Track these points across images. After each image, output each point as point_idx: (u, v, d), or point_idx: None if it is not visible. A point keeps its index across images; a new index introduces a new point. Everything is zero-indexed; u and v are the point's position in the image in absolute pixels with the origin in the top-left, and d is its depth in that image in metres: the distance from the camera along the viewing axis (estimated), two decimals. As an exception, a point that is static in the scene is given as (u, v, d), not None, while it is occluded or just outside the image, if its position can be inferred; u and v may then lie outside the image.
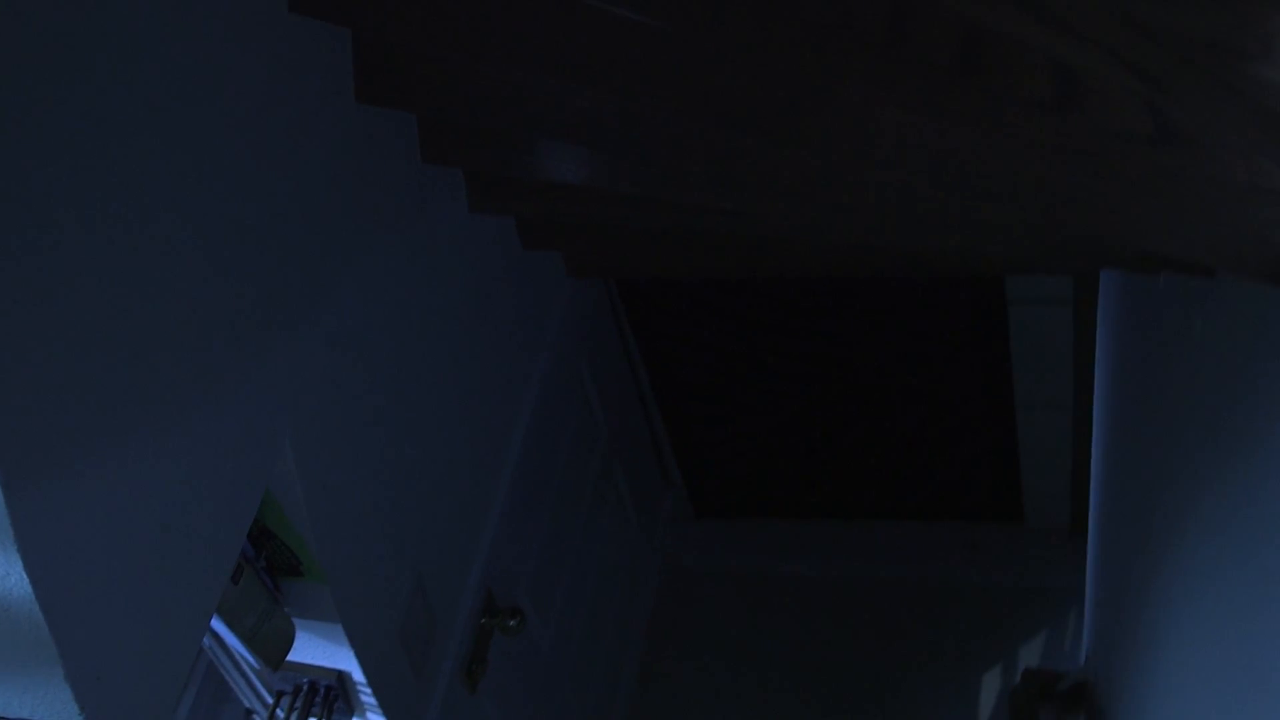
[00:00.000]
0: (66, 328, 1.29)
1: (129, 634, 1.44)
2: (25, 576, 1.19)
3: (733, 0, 1.24)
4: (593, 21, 1.42)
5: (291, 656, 2.09)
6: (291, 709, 2.11)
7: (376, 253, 2.01)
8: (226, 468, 1.61)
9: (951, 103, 1.17)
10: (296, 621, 2.02)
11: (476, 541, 2.59)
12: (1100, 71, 1.04)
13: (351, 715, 2.17)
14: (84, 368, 1.32)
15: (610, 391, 3.38)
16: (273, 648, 1.94)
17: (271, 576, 1.95)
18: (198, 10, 1.47)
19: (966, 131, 1.25)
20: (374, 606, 2.12)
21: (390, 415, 2.14)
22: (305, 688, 2.10)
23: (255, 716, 2.19)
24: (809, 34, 1.22)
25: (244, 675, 2.16)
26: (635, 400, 3.64)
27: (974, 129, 1.23)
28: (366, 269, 1.98)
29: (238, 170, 1.60)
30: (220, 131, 1.55)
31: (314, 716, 2.09)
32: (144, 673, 1.48)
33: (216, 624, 1.88)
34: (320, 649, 2.08)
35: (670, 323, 3.50)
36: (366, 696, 2.15)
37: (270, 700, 2.18)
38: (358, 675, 2.10)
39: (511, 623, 2.59)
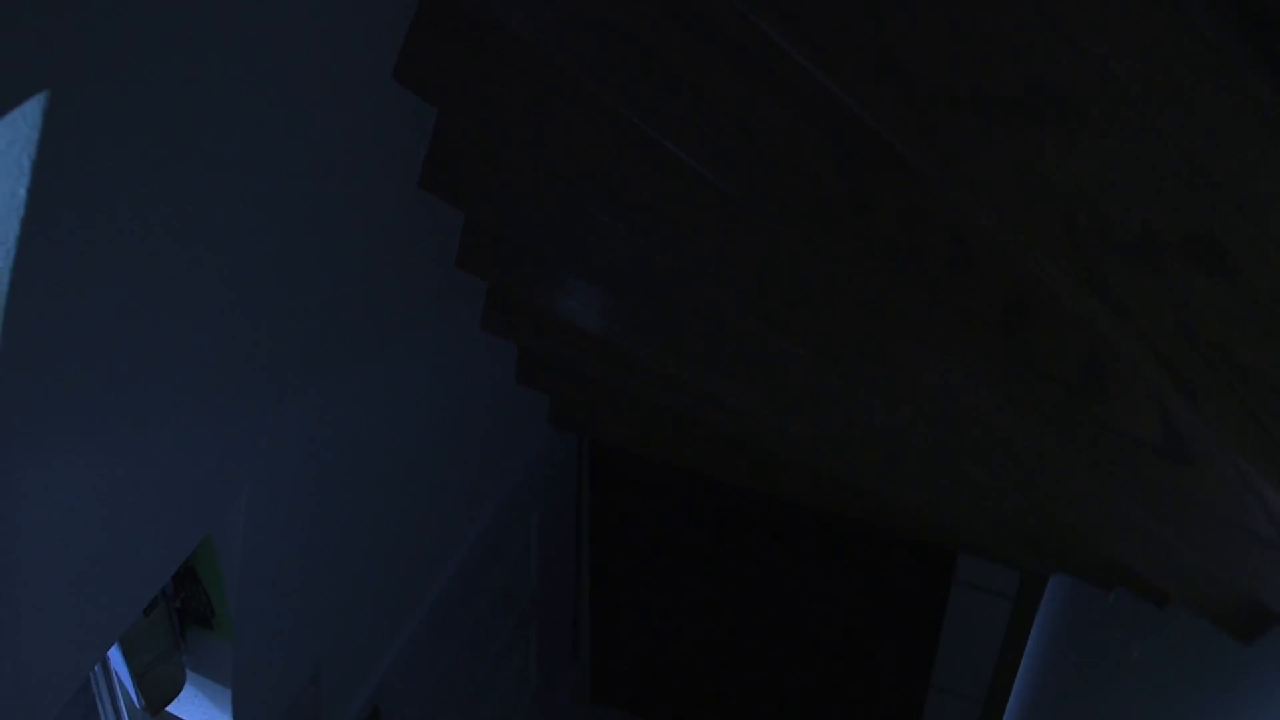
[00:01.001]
0: (91, 316, 1.30)
1: (33, 634, 1.40)
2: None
3: (816, 210, 1.31)
4: (674, 172, 1.48)
5: (172, 707, 2.04)
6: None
7: (384, 342, 2.04)
8: (182, 496, 1.61)
9: (985, 357, 1.23)
10: (189, 673, 1.98)
11: (381, 656, 2.55)
12: (1132, 363, 1.10)
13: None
14: (91, 354, 1.32)
15: (551, 549, 3.37)
16: (159, 692, 1.90)
17: (181, 621, 1.92)
18: (302, 66, 1.51)
19: (988, 388, 1.30)
20: (267, 683, 2.08)
21: (345, 504, 2.14)
22: (173, 743, 2.05)
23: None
24: (879, 264, 1.29)
25: (116, 712, 2.11)
26: (571, 566, 3.63)
27: (995, 388, 1.28)
28: (368, 354, 2.00)
29: (288, 224, 1.63)
30: (286, 184, 1.59)
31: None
32: (30, 677, 1.44)
33: (113, 651, 1.85)
34: (202, 709, 2.03)
35: (628, 498, 3.52)
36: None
37: (131, 747, 2.12)
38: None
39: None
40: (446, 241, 2.10)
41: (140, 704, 1.98)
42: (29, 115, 1.06)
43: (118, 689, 2.06)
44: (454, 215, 2.03)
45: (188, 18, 1.25)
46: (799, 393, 1.85)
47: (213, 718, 2.03)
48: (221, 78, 1.35)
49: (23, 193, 1.06)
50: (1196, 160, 1.00)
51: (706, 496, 3.39)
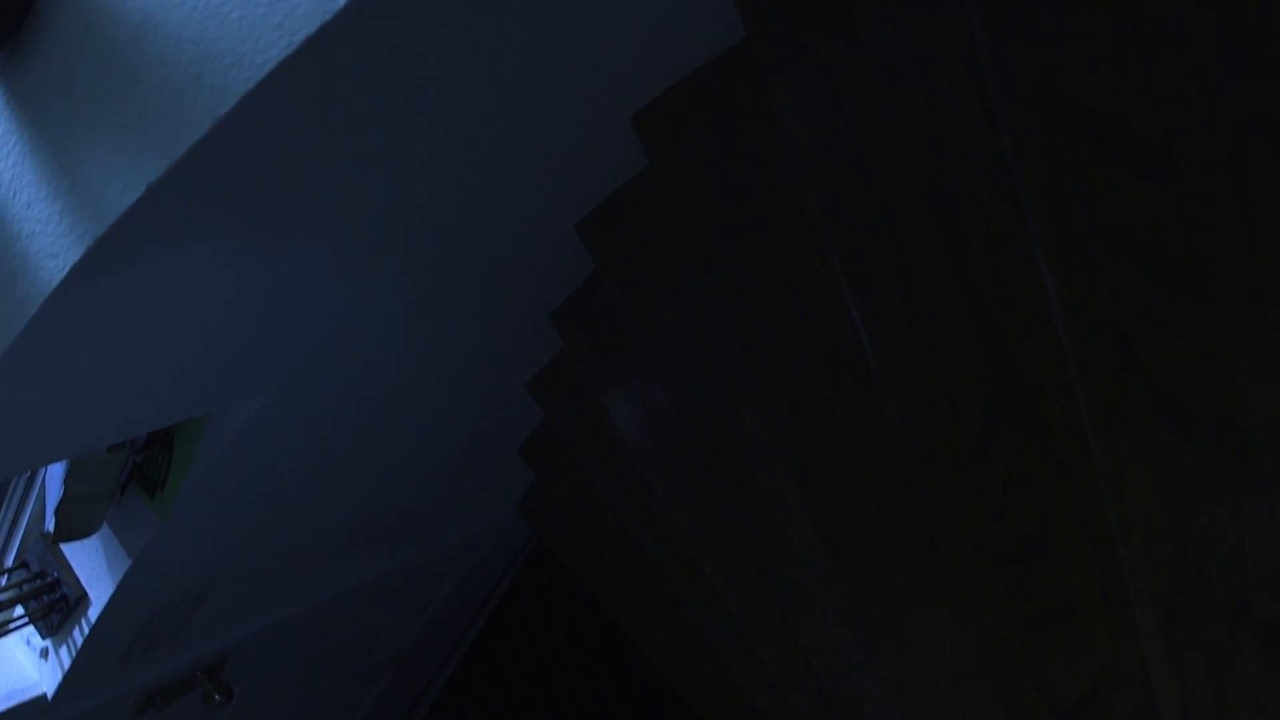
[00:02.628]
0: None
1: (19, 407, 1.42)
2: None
3: (938, 435, 1.38)
4: (809, 358, 1.57)
5: (69, 547, 2.05)
6: (22, 585, 2.04)
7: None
8: (222, 360, 1.63)
9: (1001, 652, 1.29)
10: (104, 528, 1.99)
11: (256, 617, 2.55)
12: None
13: (54, 634, 2.10)
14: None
15: (446, 616, 3.36)
16: (75, 525, 1.91)
17: (130, 475, 1.94)
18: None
19: (988, 689, 1.36)
20: (164, 575, 2.08)
21: (321, 474, 2.17)
22: (52, 579, 2.04)
23: (-14, 563, 2.11)
24: (957, 509, 1.36)
25: (15, 522, 2.11)
26: (451, 642, 3.61)
27: (996, 694, 1.34)
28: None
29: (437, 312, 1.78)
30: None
31: (34, 602, 2.02)
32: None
33: (58, 466, 1.87)
34: (95, 565, 2.03)
35: (538, 612, 3.51)
36: (79, 631, 2.08)
37: (10, 563, 2.11)
38: (95, 611, 2.04)
39: (218, 697, 2.50)
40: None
41: (50, 529, 1.98)
42: None
43: (30, 504, 2.07)
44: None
45: None
46: (787, 611, 1.89)
47: (99, 578, 2.03)
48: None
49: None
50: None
51: (612, 652, 3.39)
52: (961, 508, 1.43)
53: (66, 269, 1.16)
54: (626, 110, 1.70)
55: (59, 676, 2.15)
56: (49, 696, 2.16)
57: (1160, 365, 1.11)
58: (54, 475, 1.89)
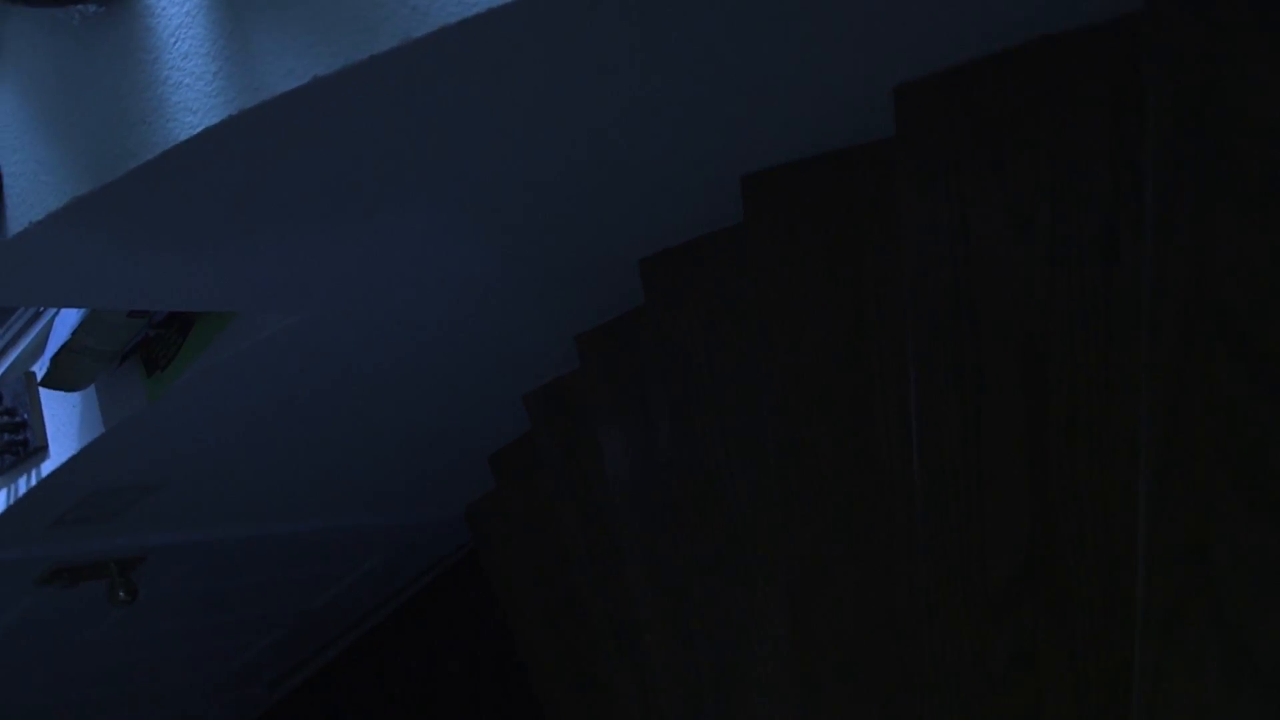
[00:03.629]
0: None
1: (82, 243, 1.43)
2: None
3: (974, 589, 1.41)
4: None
5: (47, 396, 2.05)
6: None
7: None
8: (269, 266, 1.64)
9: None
10: (90, 391, 1.99)
11: (189, 529, 2.53)
12: None
13: (11, 469, 2.08)
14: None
15: (354, 593, 3.35)
16: (66, 376, 1.90)
17: (136, 346, 1.94)
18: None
19: None
20: (125, 454, 2.08)
21: (315, 420, 2.21)
22: (20, 420, 2.04)
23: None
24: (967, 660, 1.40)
25: (3, 353, 2.11)
26: (351, 620, 3.59)
27: None
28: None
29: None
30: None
31: (7, 434, 2.01)
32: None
33: (74, 313, 1.86)
34: (66, 427, 2.02)
35: (444, 616, 3.50)
36: (25, 481, 2.06)
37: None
38: (49, 466, 2.03)
39: (123, 594, 2.48)
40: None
41: (37, 371, 1.99)
42: None
43: (25, 341, 2.07)
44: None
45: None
46: (723, 706, 1.91)
47: (65, 436, 2.02)
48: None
49: None
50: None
51: (503, 685, 3.38)
52: (955, 666, 1.45)
53: (199, 128, 1.18)
54: (737, 170, 1.75)
55: (-12, 511, 2.13)
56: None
57: (1231, 593, 1.11)
58: (64, 321, 1.89)
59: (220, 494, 2.42)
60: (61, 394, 1.99)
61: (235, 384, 1.99)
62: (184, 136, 1.19)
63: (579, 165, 1.58)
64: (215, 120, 1.16)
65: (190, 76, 1.19)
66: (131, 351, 1.95)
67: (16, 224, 1.26)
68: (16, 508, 2.09)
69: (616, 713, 2.51)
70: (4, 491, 2.10)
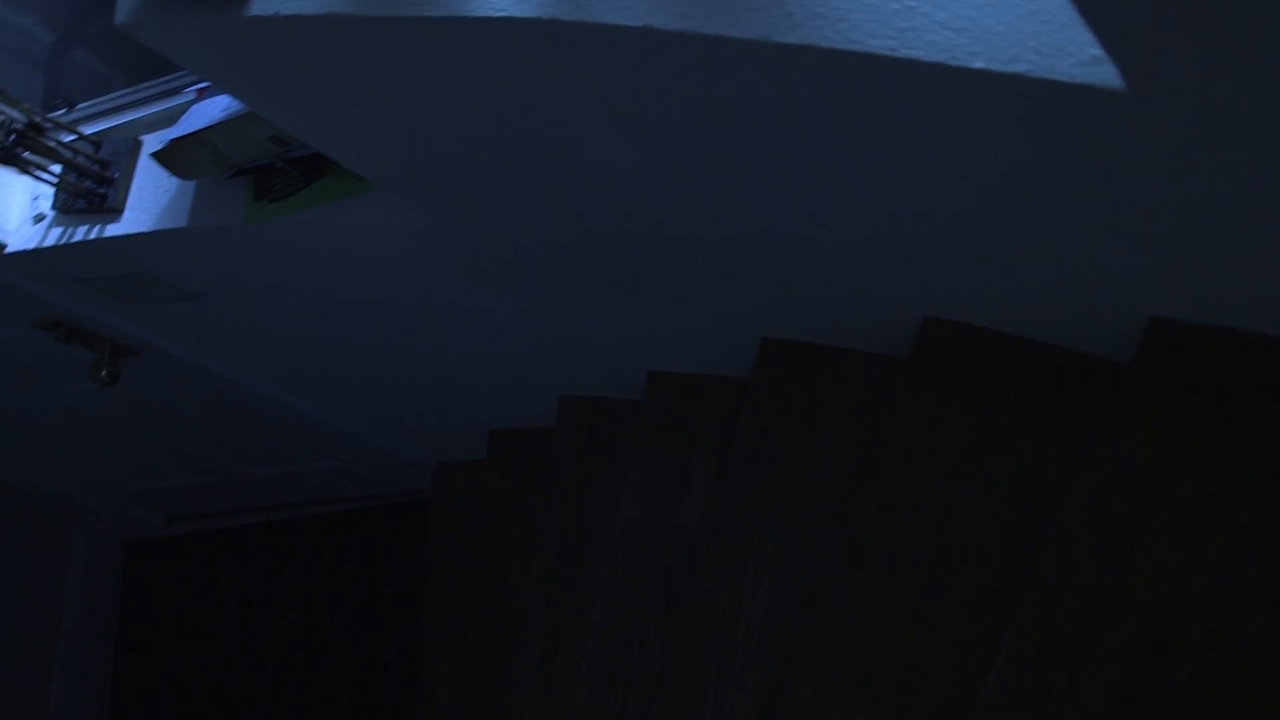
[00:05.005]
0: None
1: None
2: None
3: None
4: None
5: (145, 167, 2.01)
6: (81, 155, 1.98)
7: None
8: (439, 159, 1.61)
9: None
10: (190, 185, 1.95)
11: (195, 349, 2.48)
12: None
13: (63, 213, 2.04)
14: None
15: (293, 483, 3.31)
16: (178, 161, 1.85)
17: (257, 169, 1.89)
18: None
19: None
20: (186, 255, 2.04)
21: (400, 313, 2.17)
22: (108, 176, 2.00)
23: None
24: None
25: (132, 106, 2.07)
26: (272, 503, 3.55)
27: None
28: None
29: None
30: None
31: (76, 176, 1.97)
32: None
33: (216, 110, 1.82)
34: (151, 197, 1.98)
35: (353, 550, 3.45)
36: (83, 231, 2.02)
37: (90, 132, 2.06)
38: (113, 230, 1.98)
39: (104, 374, 2.42)
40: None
41: (151, 144, 1.95)
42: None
43: (158, 108, 2.03)
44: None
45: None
46: None
47: (144, 211, 1.97)
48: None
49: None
50: None
51: (389, 640, 3.34)
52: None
53: (502, 13, 1.15)
54: (920, 311, 1.74)
55: (29, 245, 2.08)
56: (6, 250, 2.09)
57: None
58: (202, 112, 1.84)
59: (242, 334, 2.38)
60: (161, 174, 1.95)
61: (323, 250, 1.95)
62: (481, 13, 1.16)
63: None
64: (523, 14, 1.12)
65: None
66: (249, 171, 1.90)
67: (262, 8, 1.23)
68: (61, 250, 2.05)
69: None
70: (61, 229, 2.05)
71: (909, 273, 1.70)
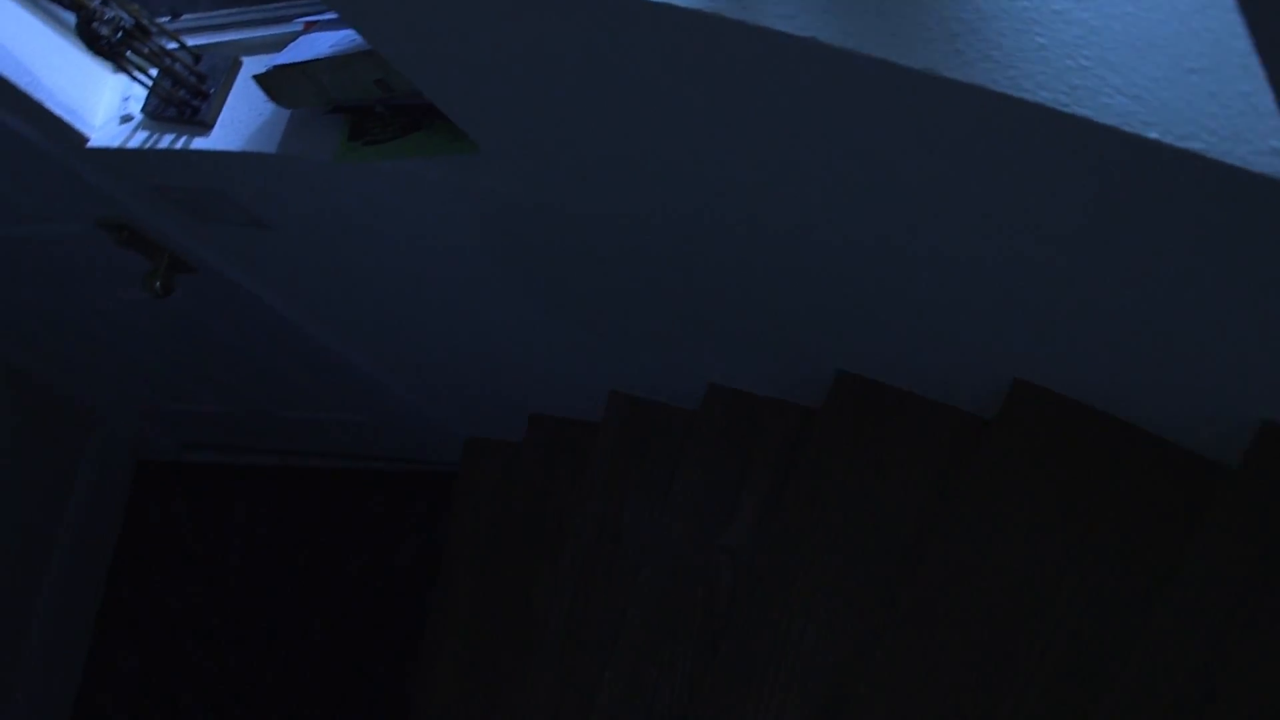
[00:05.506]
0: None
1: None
2: None
3: None
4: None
5: (241, 88, 1.95)
6: (179, 63, 1.92)
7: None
8: (543, 143, 1.56)
9: None
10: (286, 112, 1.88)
11: (252, 276, 2.42)
12: None
13: (151, 117, 1.98)
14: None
15: (320, 431, 3.25)
16: (279, 88, 1.79)
17: (356, 110, 1.83)
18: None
19: None
20: (269, 182, 1.98)
21: (471, 284, 2.11)
22: (204, 90, 1.93)
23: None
24: None
25: (237, 26, 2.00)
26: (293, 450, 3.48)
27: None
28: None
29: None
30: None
31: (170, 83, 1.90)
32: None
33: (325, 44, 1.75)
34: (243, 117, 1.92)
35: (369, 514, 3.38)
36: (168, 139, 1.96)
37: (194, 44, 2.00)
38: (199, 144, 1.92)
39: (158, 285, 2.36)
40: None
41: (253, 66, 1.90)
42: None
43: (266, 32, 1.97)
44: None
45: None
46: None
47: (233, 130, 1.91)
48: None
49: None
50: None
51: (389, 610, 3.27)
52: None
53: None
54: (1013, 372, 1.67)
55: (111, 143, 2.02)
56: (89, 144, 2.03)
57: None
58: (310, 44, 1.78)
59: (302, 270, 2.32)
60: (256, 98, 1.89)
61: (405, 204, 1.89)
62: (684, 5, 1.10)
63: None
64: (686, 4, 1.06)
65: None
66: (348, 110, 1.84)
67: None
68: (144, 154, 1.99)
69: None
70: (147, 134, 1.99)
71: (1013, 333, 1.63)
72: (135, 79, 1.94)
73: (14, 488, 3.43)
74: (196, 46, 1.98)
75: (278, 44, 1.92)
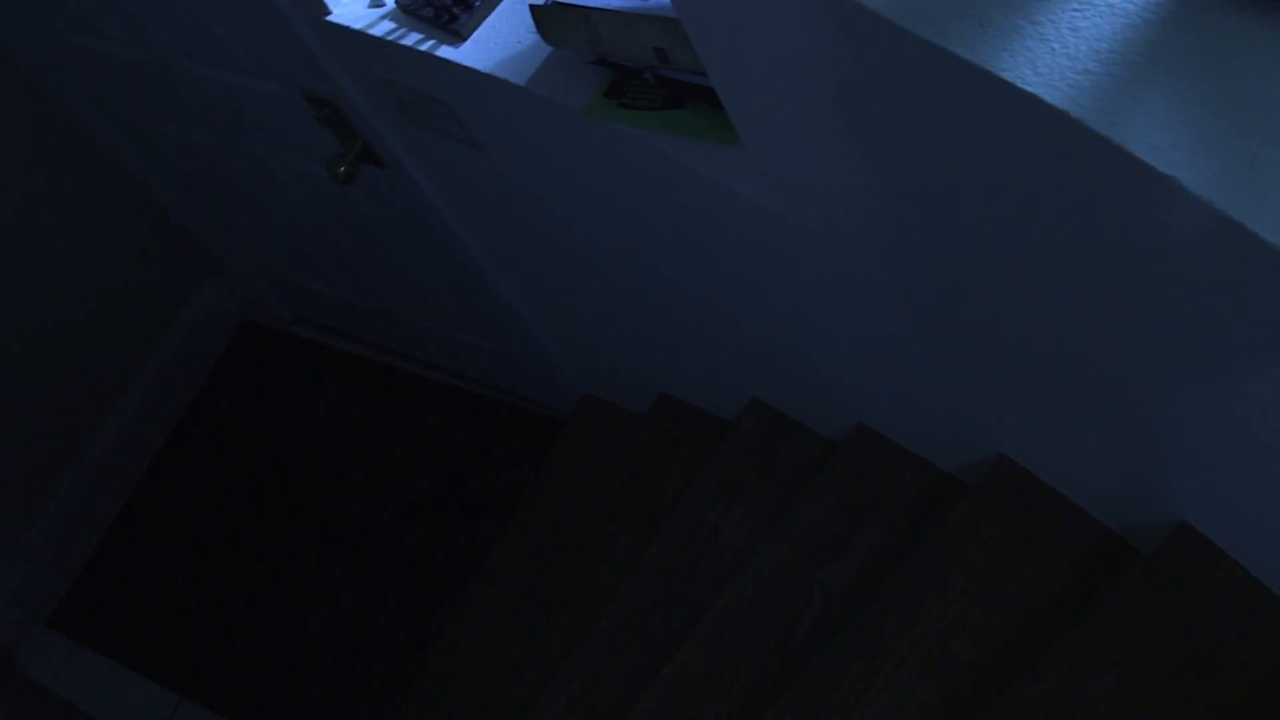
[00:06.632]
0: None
1: None
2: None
3: None
4: None
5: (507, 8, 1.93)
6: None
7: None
8: (824, 157, 1.54)
9: None
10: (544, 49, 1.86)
11: (443, 179, 2.42)
12: None
13: (404, 12, 1.96)
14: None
15: (441, 346, 3.25)
16: (549, 26, 1.76)
17: (619, 72, 1.80)
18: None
19: None
20: (503, 118, 1.96)
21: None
22: (472, 5, 1.92)
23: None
24: None
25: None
26: (405, 354, 3.49)
27: None
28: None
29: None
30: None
31: (431, 10, 1.90)
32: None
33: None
34: (501, 37, 1.89)
35: (466, 435, 3.39)
36: (415, 37, 1.94)
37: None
38: (444, 53, 1.90)
39: (343, 169, 2.36)
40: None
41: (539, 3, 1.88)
42: None
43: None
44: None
45: None
46: None
47: (478, 50, 1.90)
48: None
49: None
50: None
51: (464, 543, 3.26)
52: None
53: (1023, 85, 1.06)
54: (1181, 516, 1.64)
55: (353, 24, 2.00)
56: (328, 17, 2.02)
57: None
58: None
59: (494, 201, 2.31)
60: (521, 25, 1.87)
61: (639, 177, 1.88)
62: (1008, 77, 1.06)
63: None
64: (1051, 99, 1.03)
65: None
66: (612, 67, 1.82)
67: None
68: (383, 44, 1.98)
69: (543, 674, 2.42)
70: (394, 25, 1.98)
71: (1197, 482, 1.60)
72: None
73: (117, 309, 3.45)
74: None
75: (559, -23, 1.90)
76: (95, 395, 3.50)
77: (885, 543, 2.12)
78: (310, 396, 3.63)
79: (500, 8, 1.94)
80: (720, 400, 2.53)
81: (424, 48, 1.94)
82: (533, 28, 1.85)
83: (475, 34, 1.92)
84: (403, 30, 1.98)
